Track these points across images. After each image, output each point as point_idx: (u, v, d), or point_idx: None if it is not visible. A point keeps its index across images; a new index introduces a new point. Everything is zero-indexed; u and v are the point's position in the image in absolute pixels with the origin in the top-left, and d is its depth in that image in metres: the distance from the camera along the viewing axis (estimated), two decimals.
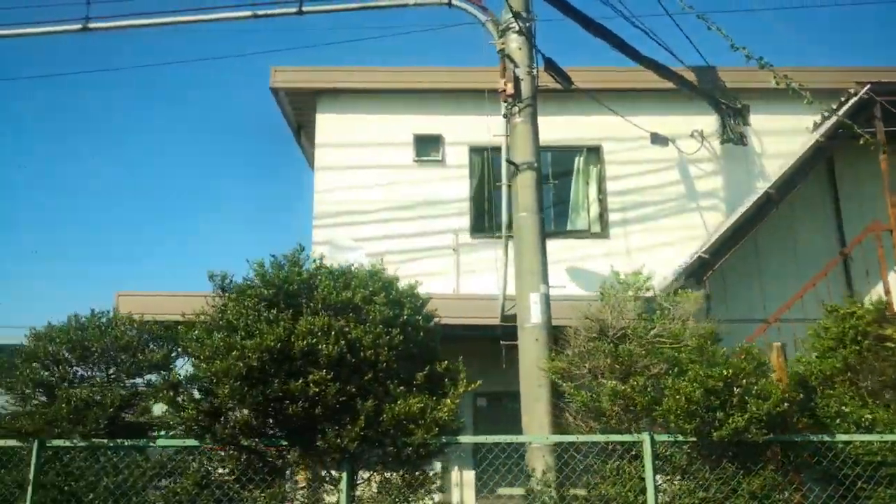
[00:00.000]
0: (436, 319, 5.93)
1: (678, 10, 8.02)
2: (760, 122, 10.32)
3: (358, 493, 5.35)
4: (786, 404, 5.15)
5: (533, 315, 6.55)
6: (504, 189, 7.45)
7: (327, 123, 10.43)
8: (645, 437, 5.18)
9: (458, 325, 7.09)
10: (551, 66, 8.08)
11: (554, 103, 9.20)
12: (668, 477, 5.36)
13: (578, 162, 10.40)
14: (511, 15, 7.32)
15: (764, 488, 5.07)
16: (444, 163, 10.30)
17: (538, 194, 7.04)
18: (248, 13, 7.96)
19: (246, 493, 5.19)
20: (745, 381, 5.14)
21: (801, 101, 8.17)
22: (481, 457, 5.79)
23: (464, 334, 7.33)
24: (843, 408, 5.62)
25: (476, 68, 10.02)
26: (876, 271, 9.37)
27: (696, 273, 8.83)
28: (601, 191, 10.25)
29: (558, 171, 10.28)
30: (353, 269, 5.80)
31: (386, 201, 10.13)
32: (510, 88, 7.04)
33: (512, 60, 7.20)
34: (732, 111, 9.98)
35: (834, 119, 9.29)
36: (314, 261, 5.85)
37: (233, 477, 5.21)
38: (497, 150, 8.15)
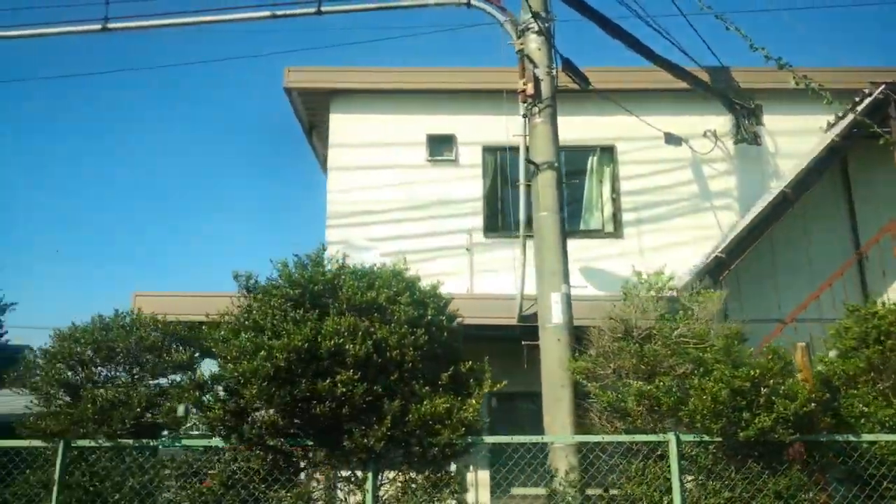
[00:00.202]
0: (458, 320, 5.96)
1: (694, 11, 8.03)
2: (774, 121, 10.32)
3: (381, 493, 5.36)
4: (812, 404, 5.15)
5: (554, 315, 6.54)
6: (522, 188, 7.42)
7: (341, 123, 10.42)
8: (671, 437, 5.18)
9: (472, 325, 7.07)
10: (569, 67, 8.09)
11: (570, 103, 9.19)
12: (693, 477, 5.36)
13: (592, 162, 10.39)
14: (530, 15, 7.32)
15: (790, 488, 5.08)
16: (458, 162, 10.29)
17: (559, 194, 7.05)
18: (267, 13, 7.95)
19: (272, 493, 5.19)
20: (771, 381, 5.14)
21: (816, 102, 8.12)
22: (498, 457, 5.76)
23: (477, 334, 7.29)
24: (866, 408, 5.60)
25: (489, 69, 10.03)
26: (892, 272, 9.38)
27: (712, 272, 8.81)
28: (615, 190, 10.24)
29: (571, 170, 10.23)
30: (375, 269, 5.81)
31: (399, 201, 10.12)
32: (530, 89, 7.04)
33: (531, 61, 7.19)
34: (746, 111, 9.98)
35: (848, 119, 9.28)
36: (336, 260, 5.86)
37: (258, 477, 5.21)
38: (512, 149, 8.14)
